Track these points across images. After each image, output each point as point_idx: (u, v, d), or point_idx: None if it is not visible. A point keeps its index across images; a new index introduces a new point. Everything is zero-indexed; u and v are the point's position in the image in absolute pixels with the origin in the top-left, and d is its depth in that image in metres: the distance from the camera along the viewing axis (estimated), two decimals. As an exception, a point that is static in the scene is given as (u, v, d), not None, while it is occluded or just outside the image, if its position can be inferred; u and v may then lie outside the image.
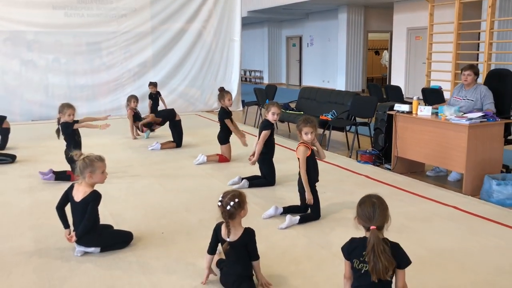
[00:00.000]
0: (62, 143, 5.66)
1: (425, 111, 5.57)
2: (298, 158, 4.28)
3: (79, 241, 3.51)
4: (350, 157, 6.89)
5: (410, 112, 5.73)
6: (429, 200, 4.81)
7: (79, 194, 3.51)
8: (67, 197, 3.56)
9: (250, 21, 22.05)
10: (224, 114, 6.46)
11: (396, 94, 8.99)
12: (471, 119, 5.00)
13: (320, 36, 19.28)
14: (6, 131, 7.35)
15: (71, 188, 3.57)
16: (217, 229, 2.98)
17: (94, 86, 11.16)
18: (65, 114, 5.63)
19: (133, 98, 8.40)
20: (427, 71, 11.25)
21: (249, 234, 2.91)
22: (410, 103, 5.82)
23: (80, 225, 3.49)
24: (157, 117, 7.96)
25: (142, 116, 8.56)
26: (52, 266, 3.34)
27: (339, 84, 17.45)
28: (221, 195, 2.92)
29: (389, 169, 6.05)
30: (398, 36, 15.30)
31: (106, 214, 4.11)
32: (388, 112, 6.14)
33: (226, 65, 12.43)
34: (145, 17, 11.40)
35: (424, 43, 12.63)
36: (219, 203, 2.88)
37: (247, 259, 2.93)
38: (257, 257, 2.95)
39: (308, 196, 4.18)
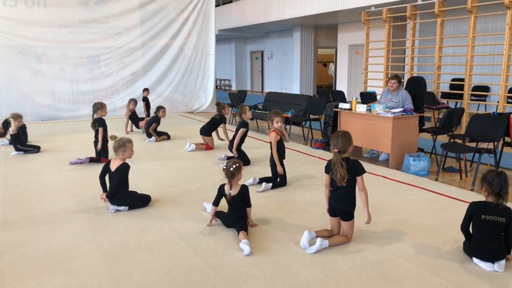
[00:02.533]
0: (70, 137, 6.10)
1: (361, 108, 6.36)
2: (270, 142, 5.01)
3: (113, 201, 4.12)
4: (306, 144, 7.65)
5: (350, 109, 6.52)
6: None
7: (114, 166, 4.13)
8: (106, 169, 4.17)
9: (220, 38, 22.37)
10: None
11: (340, 97, 9.82)
12: (394, 113, 5.85)
13: (279, 51, 19.76)
14: (23, 127, 7.61)
15: (109, 162, 4.19)
16: (221, 188, 3.69)
17: (94, 91, 11.30)
18: (100, 111, 6.15)
19: (132, 101, 8.81)
20: (364, 79, 12.11)
21: (245, 188, 3.65)
22: (350, 103, 6.62)
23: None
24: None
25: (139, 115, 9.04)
26: (94, 219, 3.94)
27: (295, 90, 18.02)
28: (225, 163, 3.65)
29: (336, 153, 6.85)
30: (342, 51, 16.01)
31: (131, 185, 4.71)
32: (334, 109, 6.93)
33: (203, 74, 12.79)
34: (136, 35, 11.65)
35: (362, 57, 13.44)
36: (224, 167, 3.61)
37: (243, 206, 3.65)
38: (250, 205, 3.68)
39: (279, 169, 4.92)
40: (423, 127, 6.54)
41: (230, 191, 3.61)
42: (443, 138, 6.47)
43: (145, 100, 10.33)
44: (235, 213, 3.63)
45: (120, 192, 4.13)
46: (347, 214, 3.38)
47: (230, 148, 6.04)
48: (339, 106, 6.70)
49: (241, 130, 5.94)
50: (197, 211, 4.13)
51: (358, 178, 3.30)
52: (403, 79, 9.81)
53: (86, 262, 3.08)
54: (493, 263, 2.94)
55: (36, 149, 6.88)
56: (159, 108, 8.11)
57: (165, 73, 12.25)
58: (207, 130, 7.07)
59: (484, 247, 2.97)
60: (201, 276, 2.87)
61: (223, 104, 7.16)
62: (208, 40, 12.77)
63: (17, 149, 6.74)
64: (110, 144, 4.55)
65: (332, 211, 3.43)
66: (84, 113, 11.12)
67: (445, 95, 10.81)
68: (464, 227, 3.10)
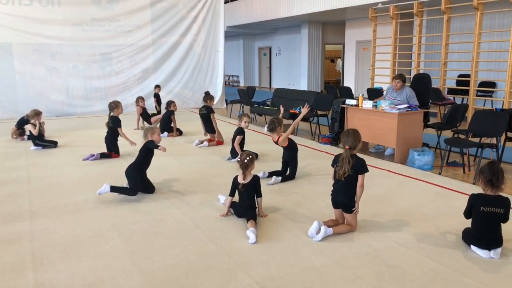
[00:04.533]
0: (84, 133, 6.35)
1: (367, 104, 6.55)
2: (283, 146, 5.21)
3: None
4: (313, 140, 7.86)
5: (357, 105, 6.71)
6: (371, 166, 5.73)
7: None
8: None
9: (228, 35, 22.50)
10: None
11: (347, 93, 9.98)
12: (399, 109, 6.03)
13: (286, 47, 19.93)
14: (41, 124, 7.85)
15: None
16: (235, 179, 3.94)
17: (106, 88, 11.58)
18: (116, 110, 6.46)
19: (140, 99, 9.03)
20: (371, 75, 12.25)
21: (257, 178, 3.89)
22: (357, 99, 6.80)
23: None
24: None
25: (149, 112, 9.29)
26: (114, 209, 4.18)
27: (302, 86, 18.22)
28: (239, 155, 3.92)
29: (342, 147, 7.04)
30: (349, 48, 16.15)
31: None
32: (341, 105, 7.12)
33: (212, 71, 13.01)
34: (147, 32, 11.89)
35: (369, 53, 13.56)
36: (238, 159, 3.87)
37: (253, 197, 3.88)
38: (260, 195, 3.91)
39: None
40: (428, 123, 6.71)
41: (243, 181, 3.85)
42: (448, 134, 6.64)
43: (157, 96, 10.58)
44: (246, 203, 3.86)
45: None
46: (348, 207, 3.59)
47: (233, 153, 6.23)
48: (346, 102, 6.88)
49: (238, 138, 6.12)
50: (211, 202, 4.36)
51: (360, 176, 3.51)
52: (410, 75, 9.96)
53: (110, 247, 3.33)
54: (490, 251, 3.13)
55: (53, 144, 7.15)
56: (170, 102, 8.33)
57: (175, 70, 12.48)
58: (207, 128, 7.25)
59: (481, 235, 3.17)
60: (216, 261, 3.10)
61: (211, 96, 7.72)
62: (217, 37, 12.97)
63: (35, 144, 7.01)
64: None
65: (334, 203, 3.65)
66: (96, 109, 11.42)
67: (451, 91, 10.93)
68: (466, 216, 3.30)
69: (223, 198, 4.25)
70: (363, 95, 6.76)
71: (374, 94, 8.86)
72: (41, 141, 7.08)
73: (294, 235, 3.53)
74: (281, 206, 4.24)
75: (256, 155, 6.16)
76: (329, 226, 3.54)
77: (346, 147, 3.49)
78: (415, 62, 10.89)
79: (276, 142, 5.20)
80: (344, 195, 3.56)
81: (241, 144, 6.22)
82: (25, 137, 7.68)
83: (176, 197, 4.54)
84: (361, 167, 3.50)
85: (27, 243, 3.41)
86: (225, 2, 16.75)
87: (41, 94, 10.88)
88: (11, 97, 10.47)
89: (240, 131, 6.19)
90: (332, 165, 3.64)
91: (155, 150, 4.74)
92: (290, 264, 3.05)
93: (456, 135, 6.11)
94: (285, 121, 9.67)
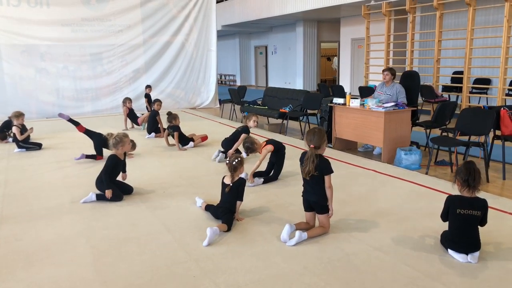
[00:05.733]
0: (73, 135, 6.29)
1: (355, 103, 6.44)
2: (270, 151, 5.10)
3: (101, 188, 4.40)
4: (302, 139, 7.74)
5: (344, 104, 6.61)
6: (356, 166, 5.70)
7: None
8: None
9: (224, 34, 22.50)
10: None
11: (340, 91, 9.84)
12: (386, 107, 5.91)
13: (282, 46, 19.84)
14: (24, 126, 7.72)
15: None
16: (223, 179, 3.89)
17: (97, 89, 11.49)
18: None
19: (127, 100, 8.92)
20: (364, 73, 12.14)
21: (242, 180, 3.81)
22: (345, 97, 6.69)
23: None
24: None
25: (138, 113, 9.17)
26: (88, 214, 4.07)
27: (298, 85, 18.13)
28: (229, 157, 3.88)
29: (331, 147, 6.92)
30: (344, 45, 16.04)
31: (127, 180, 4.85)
32: (329, 104, 7.01)
33: (205, 70, 12.90)
34: (138, 32, 11.79)
35: (364, 51, 13.49)
36: (227, 161, 3.83)
37: (234, 201, 3.78)
38: (241, 199, 3.81)
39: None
40: (417, 121, 6.59)
41: (230, 183, 3.77)
42: (438, 132, 6.51)
43: (147, 96, 10.48)
44: (225, 205, 3.78)
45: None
46: (321, 207, 3.48)
47: (225, 146, 6.13)
48: (333, 101, 6.77)
49: (243, 136, 5.93)
50: (187, 205, 4.25)
51: (326, 177, 3.40)
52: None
53: (75, 255, 3.22)
54: (467, 255, 3.01)
55: (37, 146, 7.05)
56: (154, 101, 8.23)
57: (167, 70, 12.38)
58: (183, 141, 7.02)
59: (458, 239, 3.05)
60: (182, 268, 2.99)
61: (174, 115, 7.07)
62: (210, 36, 12.86)
63: (19, 147, 6.92)
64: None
65: (306, 204, 3.54)
66: (87, 110, 11.35)
67: (446, 88, 10.80)
68: (443, 219, 3.18)
69: (200, 201, 4.14)
70: (350, 93, 6.64)
71: (366, 92, 8.74)
72: (24, 143, 6.98)
73: (267, 240, 3.42)
74: (259, 209, 4.13)
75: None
76: (302, 229, 3.43)
77: (311, 146, 3.37)
78: (408, 59, 10.75)
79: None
80: (315, 194, 3.46)
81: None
82: (10, 139, 7.57)
83: (153, 201, 4.44)
84: (325, 168, 3.39)
85: (-9, 251, 3.30)
86: (219, 1, 16.65)
87: (31, 95, 10.81)
88: (0, 98, 10.36)
89: (246, 129, 6.06)
90: (300, 163, 3.54)
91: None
92: (259, 270, 2.94)
93: (444, 134, 6.00)
94: (275, 121, 9.65)
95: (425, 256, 3.11)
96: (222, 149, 6.17)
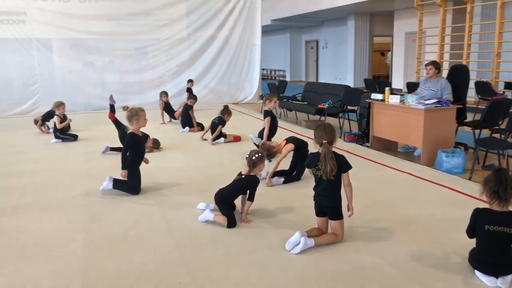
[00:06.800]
0: (111, 128, 6.26)
1: (394, 99, 5.92)
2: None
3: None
4: (340, 137, 7.30)
5: (383, 100, 6.12)
6: (390, 168, 5.23)
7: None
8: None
9: (274, 28, 22.23)
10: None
11: (386, 87, 9.26)
12: (427, 104, 5.37)
13: (333, 40, 19.21)
14: (65, 116, 7.93)
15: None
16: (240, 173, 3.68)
17: (141, 82, 11.64)
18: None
19: (163, 93, 8.92)
20: (416, 68, 11.39)
21: (255, 178, 3.57)
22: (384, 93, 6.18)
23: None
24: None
25: (175, 107, 9.12)
26: (97, 207, 3.98)
27: (348, 80, 17.47)
28: (249, 151, 3.64)
29: (368, 146, 6.46)
30: (398, 40, 15.23)
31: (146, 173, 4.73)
32: (367, 100, 6.54)
33: (249, 65, 12.68)
34: (182, 26, 11.79)
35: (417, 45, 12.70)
36: (247, 155, 3.60)
37: (238, 194, 3.59)
38: (252, 199, 3.54)
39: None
40: (464, 120, 5.97)
41: (243, 175, 3.59)
42: (489, 133, 5.87)
43: (189, 91, 10.42)
44: (226, 193, 3.59)
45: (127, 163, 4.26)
46: (334, 212, 3.13)
47: (261, 135, 5.90)
48: (372, 97, 6.30)
49: (267, 120, 5.77)
50: (197, 204, 4.03)
51: (344, 175, 3.05)
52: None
53: (68, 250, 3.10)
54: (497, 278, 2.55)
55: (73, 137, 7.17)
56: (189, 97, 8.19)
57: (210, 64, 12.30)
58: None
59: (487, 259, 2.59)
60: (171, 273, 2.77)
61: (229, 111, 6.97)
62: (254, 30, 12.61)
63: (56, 137, 7.08)
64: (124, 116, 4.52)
65: (319, 209, 3.19)
66: (131, 103, 11.29)
67: (509, 85, 9.83)
68: (469, 235, 2.73)
69: (203, 205, 3.86)
70: (389, 89, 6.13)
71: (414, 88, 8.11)
72: (61, 134, 7.12)
73: (270, 246, 3.12)
74: (271, 211, 3.83)
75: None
76: (311, 236, 3.10)
77: (324, 141, 3.02)
78: (464, 53, 9.91)
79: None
80: (329, 197, 3.10)
81: (272, 129, 5.82)
82: (51, 130, 7.77)
83: (165, 197, 4.27)
84: (343, 164, 3.05)
85: (-10, 242, 3.27)
86: (268, -5, 16.32)
87: (78, 88, 11.12)
88: (50, 91, 10.73)
89: (267, 113, 5.80)
90: (309, 167, 3.19)
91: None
92: (251, 281, 2.66)
93: (495, 135, 5.36)
94: (312, 117, 9.22)
95: (447, 276, 2.68)
96: None
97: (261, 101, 12.43)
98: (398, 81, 14.97)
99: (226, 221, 3.42)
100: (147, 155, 4.58)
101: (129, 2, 11.25)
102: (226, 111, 6.88)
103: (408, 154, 6.17)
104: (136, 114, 4.27)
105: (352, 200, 3.16)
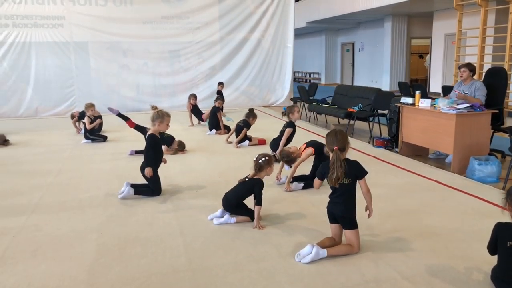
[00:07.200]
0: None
1: (425, 103, 5.67)
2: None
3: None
4: (369, 142, 7.07)
5: (413, 104, 5.86)
6: (417, 175, 4.99)
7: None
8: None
9: (309, 31, 22.02)
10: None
11: (420, 90, 8.92)
12: (458, 109, 5.09)
13: (370, 42, 18.81)
14: (99, 118, 8.08)
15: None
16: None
17: (174, 85, 11.78)
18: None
19: (192, 96, 8.97)
20: (454, 71, 10.89)
21: (259, 181, 3.49)
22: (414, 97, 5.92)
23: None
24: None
25: (203, 110, 9.14)
26: (114, 208, 4.00)
27: (384, 84, 17.03)
28: (257, 155, 3.60)
29: (397, 152, 6.21)
30: (437, 41, 14.68)
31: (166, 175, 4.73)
32: (396, 104, 6.29)
33: (280, 67, 12.60)
34: (215, 29, 11.86)
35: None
36: (254, 159, 3.54)
37: (243, 197, 3.55)
38: (259, 203, 3.45)
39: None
40: (501, 126, 5.63)
41: (247, 177, 3.55)
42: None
43: (219, 93, 10.45)
44: (231, 197, 3.56)
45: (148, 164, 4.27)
46: (348, 221, 2.99)
47: (272, 146, 5.81)
48: (401, 100, 6.06)
49: (288, 130, 5.68)
50: (214, 207, 3.97)
51: (361, 182, 2.90)
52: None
53: (79, 251, 3.12)
54: (521, 299, 2.34)
55: (102, 138, 7.31)
56: (216, 99, 8.23)
57: (242, 67, 12.31)
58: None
59: (509, 278, 2.38)
60: (175, 279, 2.72)
61: (254, 114, 6.92)
62: (287, 32, 12.51)
63: (86, 137, 7.24)
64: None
65: (332, 216, 3.05)
66: (164, 106, 11.57)
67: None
68: (490, 251, 2.52)
69: (214, 215, 3.74)
70: (420, 92, 5.87)
71: (448, 91, 7.77)
72: (91, 134, 7.28)
73: (281, 254, 3.01)
74: (287, 217, 3.72)
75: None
76: (324, 247, 2.96)
77: (335, 148, 2.89)
78: (507, 55, 9.38)
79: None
80: (343, 205, 2.97)
81: (289, 139, 5.75)
82: (81, 131, 7.96)
83: (181, 200, 4.24)
84: (358, 171, 2.92)
85: (7, 239, 3.33)
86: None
87: (113, 90, 11.39)
88: (86, 93, 11.03)
89: (291, 124, 5.72)
90: (321, 178, 3.06)
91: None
92: (256, 290, 2.57)
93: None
94: (342, 121, 8.98)
95: (466, 294, 2.49)
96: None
97: (292, 104, 12.35)
98: (436, 85, 14.45)
99: (248, 219, 3.45)
100: (172, 157, 4.59)
101: (163, 6, 11.42)
102: (251, 114, 6.83)
103: (439, 161, 5.89)
104: (162, 117, 4.30)
105: (372, 204, 3.03)
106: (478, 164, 4.84)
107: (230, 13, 11.94)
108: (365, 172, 2.93)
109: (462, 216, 3.71)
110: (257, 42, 12.30)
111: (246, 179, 3.54)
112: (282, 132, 5.75)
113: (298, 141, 5.78)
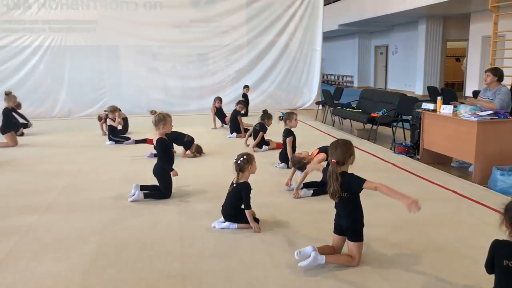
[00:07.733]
0: None
1: (446, 109, 5.45)
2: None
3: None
4: (391, 149, 6.86)
5: (434, 110, 5.65)
6: (434, 184, 4.79)
7: (154, 140, 4.44)
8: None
9: (341, 33, 21.71)
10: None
11: (450, 95, 8.60)
12: (480, 116, 4.86)
13: (404, 45, 18.37)
14: (125, 120, 8.34)
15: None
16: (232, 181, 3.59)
17: (202, 88, 11.88)
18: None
19: (217, 99, 9.05)
20: (488, 76, 10.45)
21: (245, 185, 3.44)
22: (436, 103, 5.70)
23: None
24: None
25: (227, 113, 9.15)
26: (120, 210, 4.05)
27: (418, 88, 16.56)
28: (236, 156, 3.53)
29: (418, 159, 6.00)
30: (474, 44, 14.14)
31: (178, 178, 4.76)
32: (417, 110, 6.08)
33: (308, 71, 12.48)
34: (242, 33, 11.90)
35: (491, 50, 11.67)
36: (234, 160, 3.47)
37: (236, 204, 3.51)
38: (247, 207, 3.43)
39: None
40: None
41: (234, 184, 3.46)
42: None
43: (245, 96, 10.48)
44: (227, 209, 3.54)
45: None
46: (354, 233, 2.89)
47: (281, 158, 5.72)
48: (422, 106, 5.86)
49: (289, 140, 5.55)
50: (219, 213, 3.94)
51: (364, 187, 2.77)
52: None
53: (78, 253, 3.18)
54: (519, 323, 2.18)
55: (125, 140, 7.46)
56: (237, 103, 8.29)
57: (269, 70, 12.28)
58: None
59: (508, 299, 2.22)
60: (165, 284, 2.71)
61: (269, 115, 6.84)
62: (315, 35, 12.38)
63: (110, 139, 7.42)
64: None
65: (338, 228, 2.96)
66: (192, 108, 11.79)
67: None
68: (487, 270, 2.37)
69: (217, 223, 3.67)
70: (442, 98, 5.64)
71: (477, 96, 7.45)
72: (114, 136, 7.45)
73: (276, 263, 2.96)
74: (291, 225, 3.64)
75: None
76: (323, 254, 2.87)
77: (333, 160, 2.79)
78: (544, 59, 8.92)
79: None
80: (347, 218, 2.88)
81: (293, 147, 5.66)
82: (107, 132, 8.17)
83: (187, 204, 4.26)
84: (354, 185, 2.78)
85: (15, 239, 3.44)
86: (335, 0, 15.96)
87: (143, 92, 11.63)
88: (116, 95, 11.31)
89: (289, 132, 5.61)
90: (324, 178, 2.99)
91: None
92: (242, 300, 2.52)
93: None
94: (367, 126, 8.74)
95: (461, 314, 2.35)
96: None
97: (320, 107, 12.20)
98: (472, 89, 13.85)
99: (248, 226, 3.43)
100: (188, 160, 4.62)
101: (192, 10, 11.56)
102: (266, 115, 6.77)
103: (462, 170, 5.64)
104: (164, 119, 4.34)
105: (396, 193, 2.77)
106: (500, 174, 4.60)
107: (257, 17, 11.94)
108: (360, 184, 2.78)
109: (473, 230, 3.52)
110: (285, 45, 12.23)
111: (234, 185, 3.48)
112: (284, 142, 5.65)
113: (316, 145, 5.69)
